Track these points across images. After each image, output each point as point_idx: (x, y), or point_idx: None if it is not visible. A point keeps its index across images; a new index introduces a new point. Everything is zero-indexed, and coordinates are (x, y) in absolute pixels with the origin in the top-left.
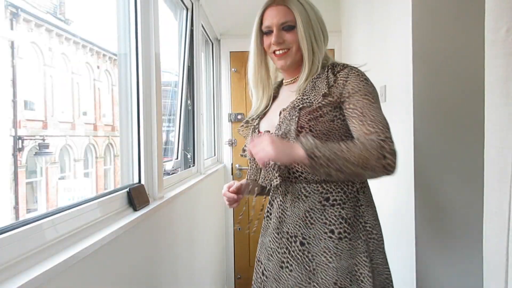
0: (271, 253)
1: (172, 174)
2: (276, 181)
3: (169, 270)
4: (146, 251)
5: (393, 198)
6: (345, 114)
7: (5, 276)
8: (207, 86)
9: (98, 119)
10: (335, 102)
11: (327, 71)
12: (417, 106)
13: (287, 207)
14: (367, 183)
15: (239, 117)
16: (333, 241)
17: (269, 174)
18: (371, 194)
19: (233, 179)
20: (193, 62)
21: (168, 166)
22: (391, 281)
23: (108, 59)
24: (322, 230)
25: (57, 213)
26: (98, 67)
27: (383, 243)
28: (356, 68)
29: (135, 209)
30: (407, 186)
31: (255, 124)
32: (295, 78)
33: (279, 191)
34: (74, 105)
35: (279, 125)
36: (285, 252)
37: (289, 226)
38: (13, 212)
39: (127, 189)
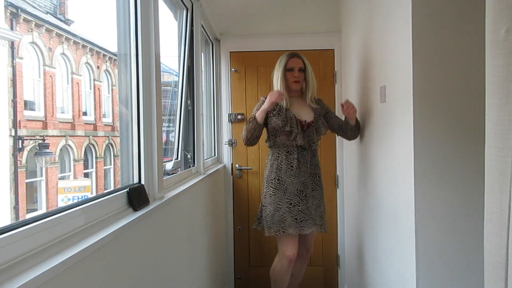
0: (306, 184)
1: (172, 174)
2: (315, 145)
3: (169, 270)
4: (146, 251)
5: (393, 198)
6: (329, 117)
7: (5, 276)
8: (207, 86)
9: (98, 119)
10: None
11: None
12: (417, 106)
13: (309, 159)
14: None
15: (239, 117)
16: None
17: (312, 138)
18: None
19: (233, 179)
20: (193, 62)
21: (168, 166)
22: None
23: (108, 59)
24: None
25: (57, 213)
26: (98, 67)
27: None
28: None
29: (135, 209)
30: (407, 185)
31: (290, 112)
32: (301, 95)
33: (310, 150)
34: (74, 105)
35: (314, 120)
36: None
37: (313, 168)
38: (13, 212)
39: (127, 189)
